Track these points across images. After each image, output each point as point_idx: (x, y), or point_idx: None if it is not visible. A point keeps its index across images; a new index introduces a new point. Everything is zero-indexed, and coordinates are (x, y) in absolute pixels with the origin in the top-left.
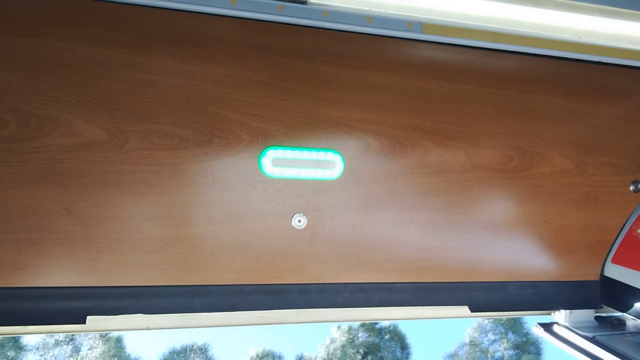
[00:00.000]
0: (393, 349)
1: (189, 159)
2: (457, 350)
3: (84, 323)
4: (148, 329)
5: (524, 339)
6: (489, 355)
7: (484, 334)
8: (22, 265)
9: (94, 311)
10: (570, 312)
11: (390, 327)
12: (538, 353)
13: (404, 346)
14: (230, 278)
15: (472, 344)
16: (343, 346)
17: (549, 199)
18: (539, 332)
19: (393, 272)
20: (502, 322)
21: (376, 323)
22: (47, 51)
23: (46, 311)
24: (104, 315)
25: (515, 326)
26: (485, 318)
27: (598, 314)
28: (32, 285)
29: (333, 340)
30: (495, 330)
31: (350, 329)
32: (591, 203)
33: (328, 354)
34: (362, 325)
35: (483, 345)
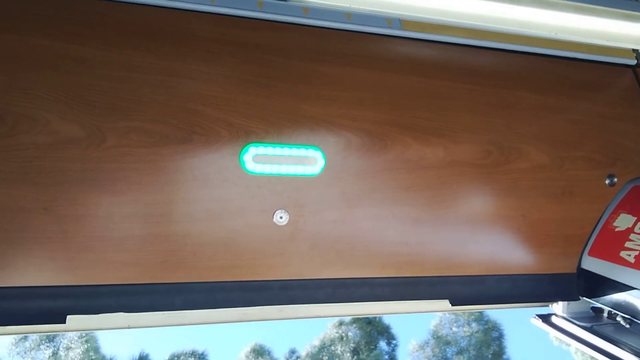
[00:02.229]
0: (378, 342)
1: (169, 156)
2: (423, 345)
3: (64, 322)
4: (129, 327)
5: (485, 327)
6: (453, 346)
7: (449, 327)
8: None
9: (74, 310)
10: (568, 304)
11: (376, 319)
12: (500, 335)
13: (390, 338)
14: (211, 275)
15: (436, 336)
16: (332, 342)
17: (527, 194)
18: (537, 324)
19: (374, 267)
20: (463, 313)
21: (366, 317)
22: (24, 48)
23: (25, 311)
24: (85, 315)
25: (476, 316)
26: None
27: (594, 305)
28: (10, 285)
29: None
30: (457, 321)
31: (340, 324)
32: (568, 197)
33: (308, 354)
34: (354, 321)
35: (448, 337)
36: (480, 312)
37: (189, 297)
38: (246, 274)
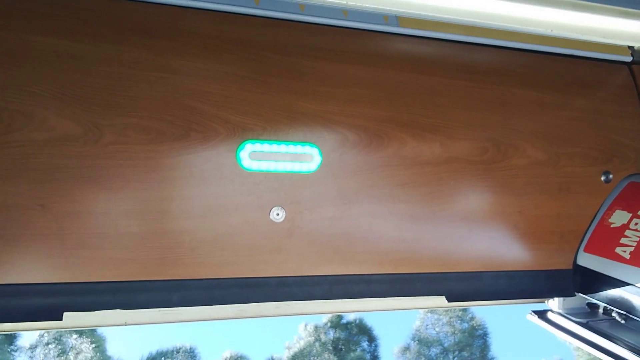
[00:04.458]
0: (360, 343)
1: (166, 153)
2: (409, 343)
3: (61, 319)
4: (126, 324)
5: (470, 324)
6: (437, 346)
7: (432, 327)
8: None
9: (71, 307)
10: (564, 300)
11: (356, 321)
12: (485, 333)
13: (370, 339)
14: (209, 272)
15: (420, 335)
16: (308, 346)
17: (523, 190)
18: (533, 320)
19: (371, 264)
20: (448, 311)
21: (341, 318)
22: (20, 44)
23: (22, 308)
24: (81, 311)
25: (461, 314)
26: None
27: (589, 301)
28: (7, 282)
29: (300, 339)
30: (441, 319)
31: (316, 327)
32: (564, 193)
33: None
34: (329, 322)
35: (433, 334)
36: (465, 311)
37: (186, 294)
38: (243, 271)
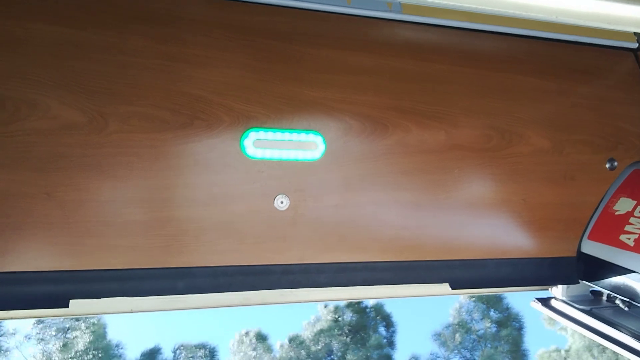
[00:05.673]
0: (378, 327)
1: (170, 141)
2: (443, 329)
3: (67, 307)
4: (132, 311)
5: (505, 315)
6: (472, 334)
7: (468, 314)
8: (2, 251)
9: (77, 295)
10: (567, 287)
11: (376, 304)
12: (520, 327)
13: (388, 325)
14: (213, 260)
15: (458, 323)
16: (329, 328)
17: (527, 178)
18: (537, 307)
19: (375, 252)
20: (483, 300)
21: (361, 302)
22: (22, 33)
23: (28, 296)
24: (87, 299)
25: (496, 304)
26: (468, 297)
27: (593, 289)
28: (13, 270)
29: (318, 319)
30: (476, 308)
31: (336, 308)
32: (568, 181)
33: (312, 335)
34: (348, 305)
35: (468, 324)
36: (501, 300)
37: (191, 281)
38: (248, 259)
